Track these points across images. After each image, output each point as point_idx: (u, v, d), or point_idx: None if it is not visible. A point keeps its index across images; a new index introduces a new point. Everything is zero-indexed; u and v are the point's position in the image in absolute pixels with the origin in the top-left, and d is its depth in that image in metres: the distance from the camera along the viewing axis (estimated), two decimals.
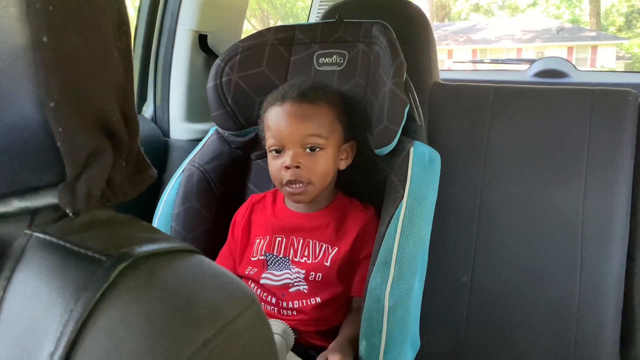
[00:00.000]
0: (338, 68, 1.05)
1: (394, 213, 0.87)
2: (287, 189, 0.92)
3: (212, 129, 1.18)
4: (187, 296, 0.32)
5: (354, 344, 0.86)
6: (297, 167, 0.90)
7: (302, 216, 0.98)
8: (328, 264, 0.92)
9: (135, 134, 0.39)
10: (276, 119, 0.93)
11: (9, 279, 0.31)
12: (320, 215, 0.97)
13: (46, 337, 0.29)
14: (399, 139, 0.96)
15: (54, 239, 0.33)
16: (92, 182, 0.35)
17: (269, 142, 0.94)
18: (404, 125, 0.94)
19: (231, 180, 1.14)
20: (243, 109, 1.09)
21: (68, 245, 0.32)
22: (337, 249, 0.93)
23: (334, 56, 1.06)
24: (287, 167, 0.90)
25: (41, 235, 0.33)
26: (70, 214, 0.35)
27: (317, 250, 0.94)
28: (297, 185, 0.91)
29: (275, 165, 0.93)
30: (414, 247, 0.85)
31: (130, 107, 0.38)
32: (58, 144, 0.33)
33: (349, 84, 1.04)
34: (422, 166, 0.93)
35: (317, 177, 0.92)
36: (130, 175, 0.39)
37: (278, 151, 0.93)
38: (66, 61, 0.32)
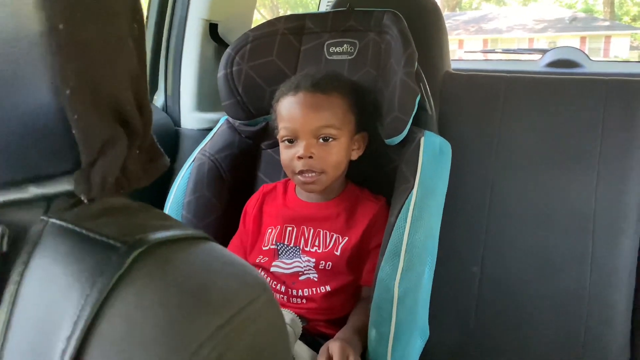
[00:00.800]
0: (349, 57, 1.05)
1: (404, 203, 0.87)
2: (300, 177, 0.92)
3: (222, 118, 1.18)
4: (200, 282, 0.32)
5: (361, 333, 0.86)
6: (310, 157, 0.90)
7: (313, 206, 0.98)
8: (338, 253, 0.93)
9: (148, 122, 0.39)
10: (289, 109, 0.93)
11: (26, 264, 0.32)
12: (331, 205, 0.97)
13: (63, 321, 0.29)
14: (410, 129, 0.95)
15: (70, 226, 0.33)
16: (107, 169, 0.35)
17: (282, 132, 0.93)
18: (414, 115, 0.94)
19: (241, 169, 1.14)
20: (253, 98, 1.09)
21: (84, 231, 0.33)
22: (347, 238, 0.93)
23: (345, 45, 1.05)
24: (300, 157, 0.90)
25: (57, 222, 0.33)
26: (85, 201, 0.35)
27: (328, 240, 0.94)
28: (310, 175, 0.91)
29: (288, 154, 0.93)
30: (424, 237, 0.85)
31: (144, 96, 0.38)
32: (73, 132, 0.33)
33: (360, 73, 1.03)
34: (433, 156, 0.92)
35: (330, 166, 0.91)
36: (143, 163, 0.39)
37: (291, 141, 0.93)
38: (82, 49, 0.32)
